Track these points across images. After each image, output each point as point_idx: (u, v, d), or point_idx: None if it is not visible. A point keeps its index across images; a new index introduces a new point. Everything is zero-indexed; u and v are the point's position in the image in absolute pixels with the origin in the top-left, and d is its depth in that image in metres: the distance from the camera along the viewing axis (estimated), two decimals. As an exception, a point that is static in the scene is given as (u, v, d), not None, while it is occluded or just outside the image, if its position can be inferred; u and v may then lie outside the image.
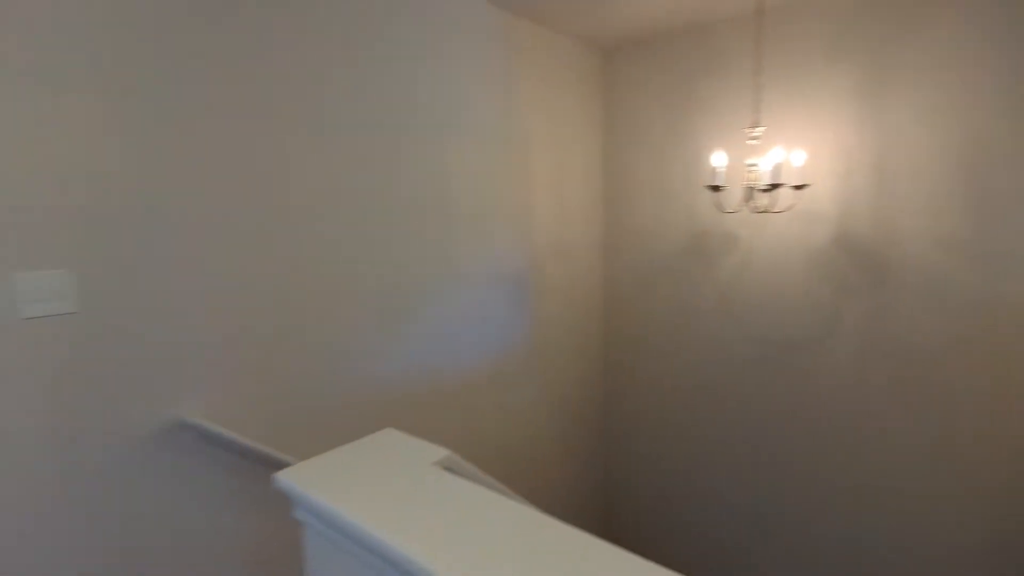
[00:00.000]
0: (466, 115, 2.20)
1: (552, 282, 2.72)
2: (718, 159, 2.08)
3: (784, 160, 1.99)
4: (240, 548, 1.65)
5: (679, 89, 2.65)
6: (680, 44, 2.62)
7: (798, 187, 2.04)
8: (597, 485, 3.18)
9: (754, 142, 2.07)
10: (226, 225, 1.56)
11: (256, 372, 1.65)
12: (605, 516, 3.21)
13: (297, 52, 1.69)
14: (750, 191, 2.08)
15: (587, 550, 0.69)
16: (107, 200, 1.35)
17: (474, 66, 2.22)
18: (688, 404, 2.84)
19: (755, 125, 2.08)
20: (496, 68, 2.31)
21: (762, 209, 2.10)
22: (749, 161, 2.08)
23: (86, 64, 1.30)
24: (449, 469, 0.94)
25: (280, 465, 1.69)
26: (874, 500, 2.36)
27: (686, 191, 2.67)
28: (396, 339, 2.02)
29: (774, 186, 1.98)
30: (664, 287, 2.83)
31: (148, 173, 1.41)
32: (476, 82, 2.23)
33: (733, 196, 2.31)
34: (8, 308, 1.23)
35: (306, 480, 0.86)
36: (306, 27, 1.71)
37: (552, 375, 2.78)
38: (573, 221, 2.82)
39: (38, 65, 1.24)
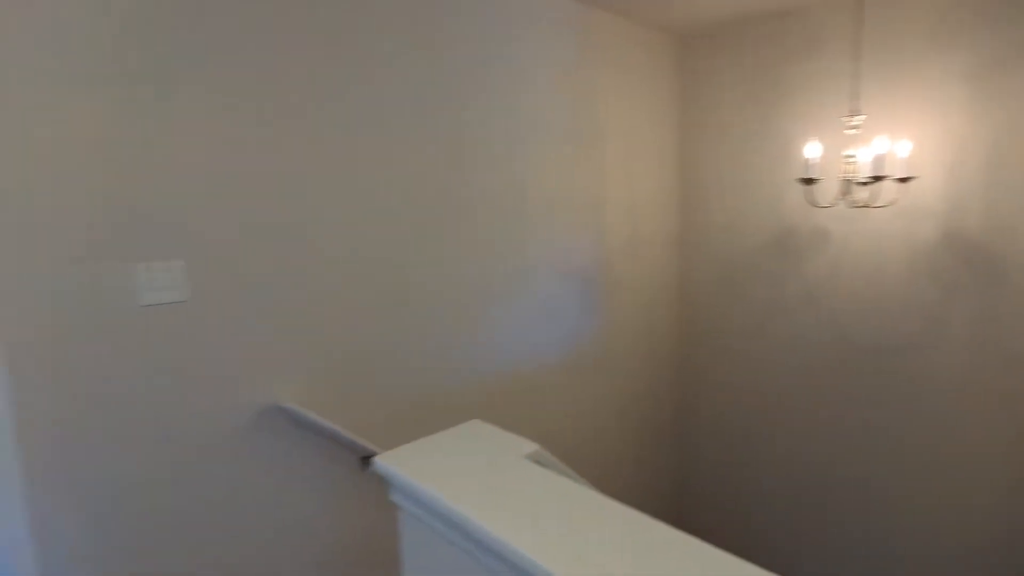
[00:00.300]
0: (537, 109, 2.19)
1: (623, 279, 2.66)
2: (812, 150, 1.96)
3: (888, 151, 1.85)
4: (324, 523, 1.72)
5: (764, 77, 2.52)
6: (765, 29, 2.49)
7: (903, 180, 1.89)
8: (669, 488, 3.10)
9: (853, 131, 1.94)
10: (318, 223, 1.63)
11: (343, 362, 1.72)
12: (677, 520, 3.12)
13: (376, 51, 1.74)
14: (847, 184, 1.95)
15: (693, 551, 0.67)
16: (216, 197, 1.44)
17: (546, 58, 2.20)
18: (767, 408, 2.71)
19: (854, 113, 1.95)
20: (568, 59, 2.28)
21: (861, 203, 1.96)
22: (846, 152, 1.95)
23: (199, 70, 1.40)
24: (538, 463, 0.93)
25: (363, 451, 1.76)
26: (969, 525, 2.16)
27: (771, 184, 2.54)
28: (470, 336, 2.04)
29: (876, 178, 1.84)
30: (745, 285, 2.71)
31: (251, 172, 1.50)
32: (547, 75, 2.21)
33: (827, 189, 2.17)
34: (129, 296, 1.33)
35: (403, 465, 0.88)
36: (383, 27, 1.75)
37: (622, 374, 2.72)
38: (646, 216, 2.75)
39: (155, 74, 1.34)
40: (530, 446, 0.92)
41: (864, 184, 1.91)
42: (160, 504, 1.40)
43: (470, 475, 0.85)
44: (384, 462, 0.91)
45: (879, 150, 1.83)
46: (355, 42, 1.67)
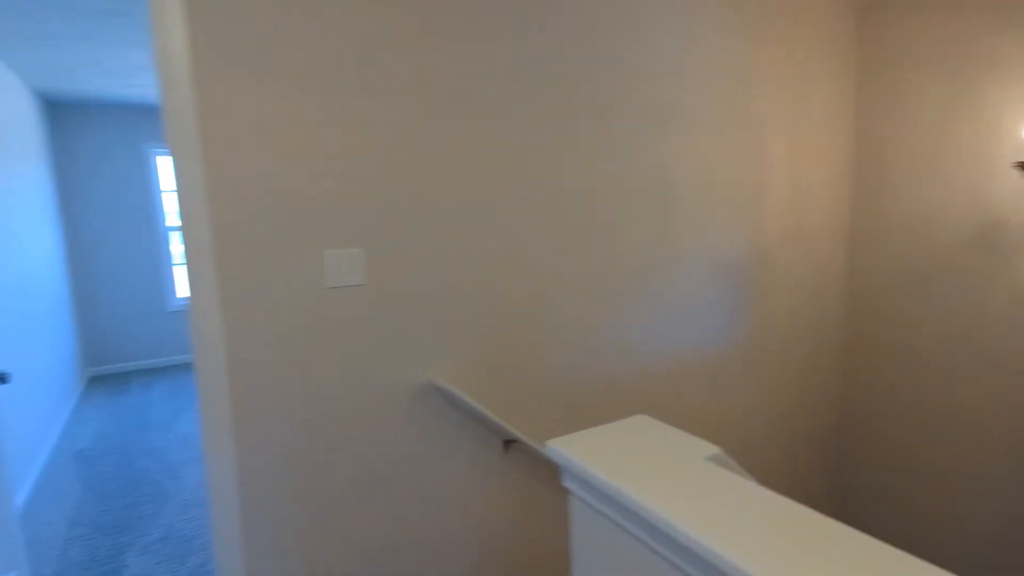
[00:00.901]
0: (687, 90, 2.07)
1: (780, 276, 2.46)
2: (1040, 128, 1.65)
3: None
4: (468, 498, 1.81)
5: (967, 46, 2.17)
6: (969, -9, 2.14)
7: None
8: (827, 508, 2.82)
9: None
10: (478, 215, 1.71)
11: (491, 348, 1.79)
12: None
13: (533, 44, 1.76)
14: (1087, 168, 1.61)
15: (908, 567, 0.60)
16: (390, 191, 1.57)
17: (697, 33, 2.07)
18: (961, 437, 2.35)
19: (1099, 82, 1.60)
20: (724, 33, 2.13)
21: (1107, 191, 1.61)
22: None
23: (385, 78, 1.52)
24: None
25: (506, 435, 1.81)
26: None
27: (975, 169, 2.18)
28: (611, 331, 2.02)
29: None
30: (935, 287, 2.36)
31: (423, 167, 1.60)
32: (700, 51, 2.09)
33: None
34: (318, 278, 1.50)
35: (578, 453, 0.89)
36: (538, 17, 1.76)
37: (772, 383, 2.52)
38: (811, 207, 2.51)
39: (356, 80, 1.47)
40: (710, 448, 0.88)
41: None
42: (331, 460, 1.56)
43: (651, 470, 0.83)
44: (559, 448, 0.92)
45: None
46: (501, 36, 1.71)
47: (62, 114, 4.81)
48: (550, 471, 1.94)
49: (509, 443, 1.86)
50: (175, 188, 1.32)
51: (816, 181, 2.50)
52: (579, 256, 1.91)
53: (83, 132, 4.92)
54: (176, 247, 5.49)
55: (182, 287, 5.56)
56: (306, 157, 1.44)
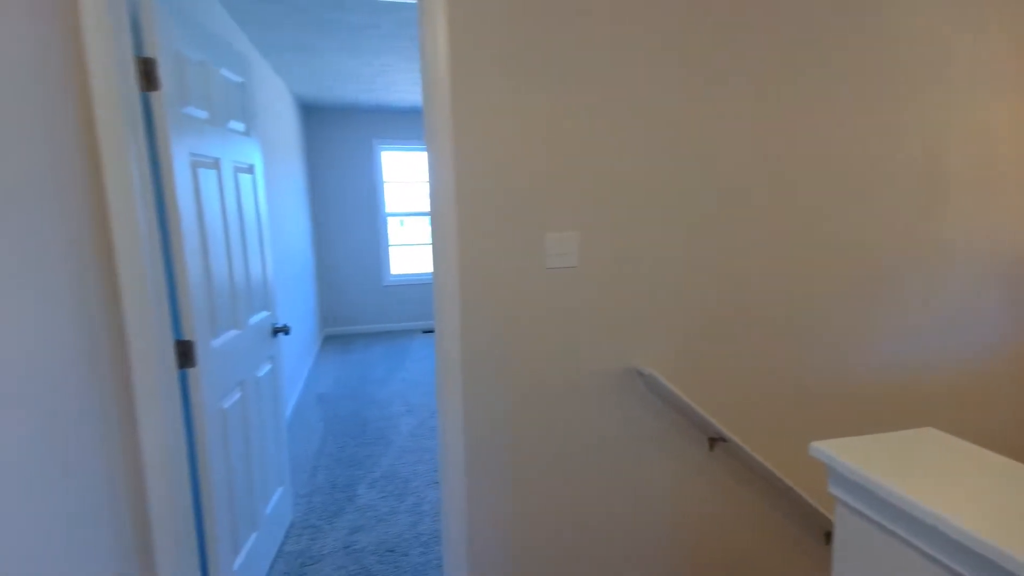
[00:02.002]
0: (966, 51, 1.74)
1: (1080, 279, 1.97)
2: None
3: None
4: (667, 492, 1.80)
5: None
6: None
7: None
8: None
9: None
10: (694, 202, 1.66)
11: (702, 340, 1.73)
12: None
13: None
14: None
15: None
16: (605, 175, 1.60)
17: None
18: None
19: None
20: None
21: None
22: None
23: (606, 66, 1.55)
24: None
25: (713, 432, 1.75)
26: None
27: None
28: (846, 333, 1.81)
29: None
30: None
31: (637, 152, 1.61)
32: (983, 6, 1.73)
33: None
34: (540, 259, 1.60)
35: (862, 462, 0.82)
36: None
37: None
38: None
39: (578, 73, 1.53)
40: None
41: None
42: (539, 429, 1.67)
43: (974, 497, 0.73)
44: (831, 453, 0.86)
45: None
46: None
47: (312, 115, 5.78)
48: (758, 475, 1.84)
49: (714, 441, 1.80)
50: (428, 180, 1.52)
51: None
52: (813, 249, 1.75)
53: (325, 131, 5.85)
54: (393, 230, 6.28)
55: (396, 266, 6.37)
56: (533, 149, 1.53)
